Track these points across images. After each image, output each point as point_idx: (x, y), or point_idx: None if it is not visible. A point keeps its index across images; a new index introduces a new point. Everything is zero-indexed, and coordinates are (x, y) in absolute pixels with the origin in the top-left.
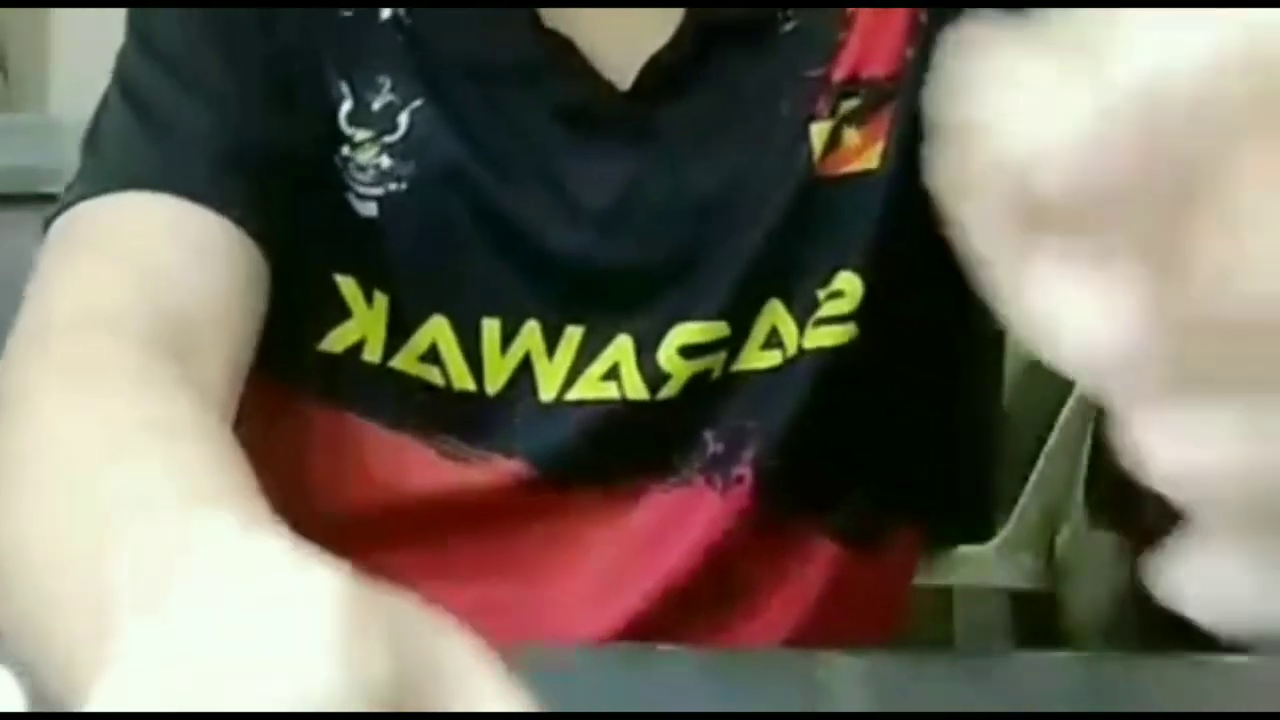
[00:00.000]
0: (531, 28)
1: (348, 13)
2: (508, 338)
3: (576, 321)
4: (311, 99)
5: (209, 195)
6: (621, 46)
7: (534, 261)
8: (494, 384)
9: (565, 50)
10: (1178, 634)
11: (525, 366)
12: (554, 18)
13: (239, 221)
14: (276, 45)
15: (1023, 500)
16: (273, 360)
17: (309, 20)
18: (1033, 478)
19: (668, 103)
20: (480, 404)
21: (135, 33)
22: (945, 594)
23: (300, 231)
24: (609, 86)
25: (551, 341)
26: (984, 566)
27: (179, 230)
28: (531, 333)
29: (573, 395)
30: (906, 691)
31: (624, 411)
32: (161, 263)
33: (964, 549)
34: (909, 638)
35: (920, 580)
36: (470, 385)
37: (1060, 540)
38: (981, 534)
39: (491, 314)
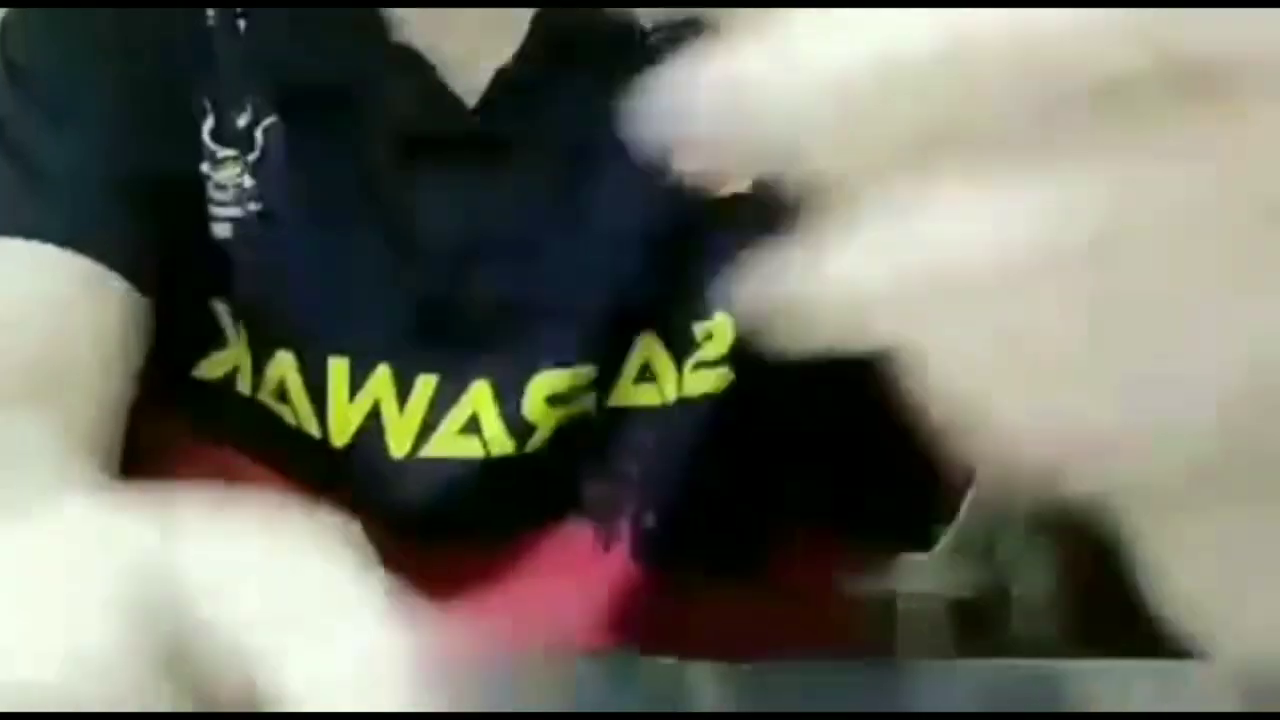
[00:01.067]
0: (379, 44)
1: (209, 19)
2: (356, 383)
3: (429, 369)
4: (178, 117)
5: (77, 239)
6: (472, 64)
7: (380, 296)
8: (341, 436)
9: (413, 66)
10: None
11: (374, 417)
12: (403, 33)
13: (110, 263)
14: (140, 65)
15: (964, 507)
16: (156, 389)
17: (170, 37)
18: (973, 485)
19: (517, 120)
20: (328, 456)
21: (4, 62)
22: (888, 602)
23: (177, 255)
24: (455, 102)
25: (403, 392)
26: (924, 574)
27: (44, 277)
28: (382, 380)
29: (427, 453)
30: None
31: (488, 468)
32: (22, 312)
33: (905, 556)
34: (849, 646)
35: (860, 588)
36: (315, 431)
37: (1001, 547)
38: (919, 542)
39: (338, 353)
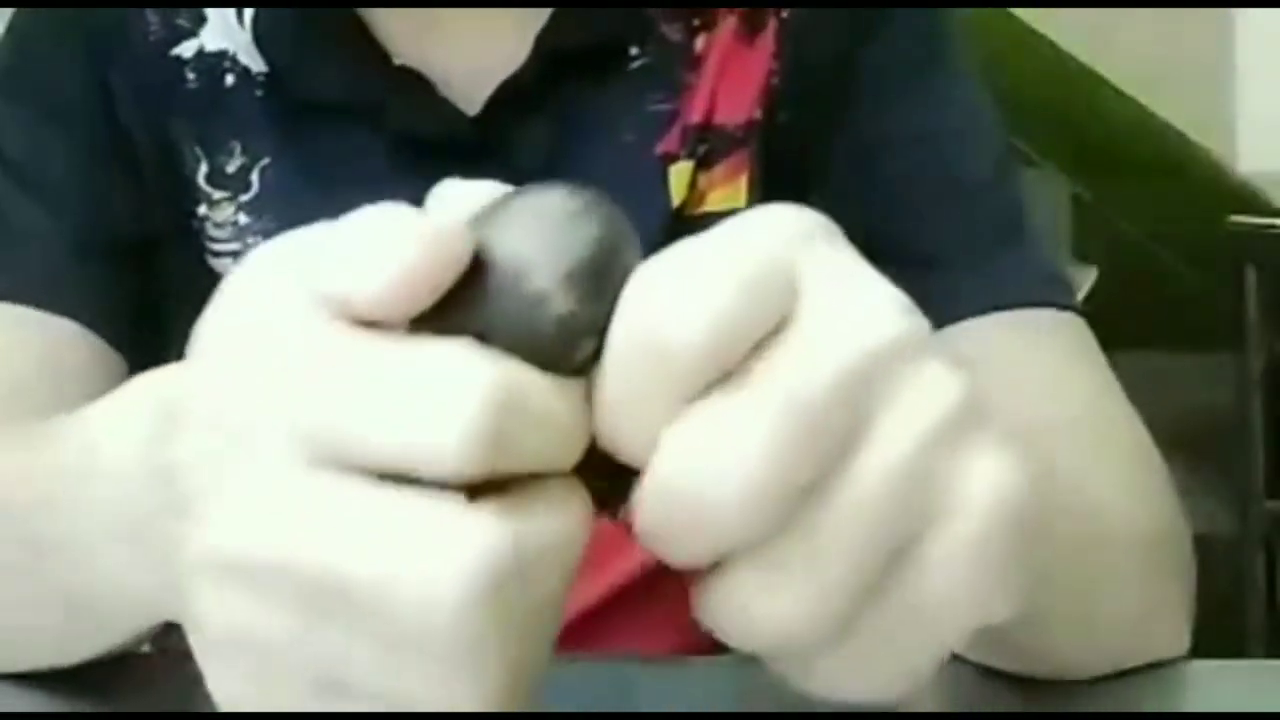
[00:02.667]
0: (382, 65)
1: (191, 85)
2: None
3: None
4: (165, 169)
5: (53, 303)
6: (472, 80)
7: None
8: None
9: (415, 84)
10: None
11: None
12: (404, 54)
13: (89, 324)
14: (120, 126)
15: None
16: None
17: (152, 96)
18: None
19: (515, 128)
20: None
21: None
22: None
23: (170, 296)
24: (456, 113)
25: None
26: None
27: (26, 341)
28: None
29: None
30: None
31: None
32: (9, 375)
33: None
34: None
35: None
36: None
37: None
38: None
39: None
